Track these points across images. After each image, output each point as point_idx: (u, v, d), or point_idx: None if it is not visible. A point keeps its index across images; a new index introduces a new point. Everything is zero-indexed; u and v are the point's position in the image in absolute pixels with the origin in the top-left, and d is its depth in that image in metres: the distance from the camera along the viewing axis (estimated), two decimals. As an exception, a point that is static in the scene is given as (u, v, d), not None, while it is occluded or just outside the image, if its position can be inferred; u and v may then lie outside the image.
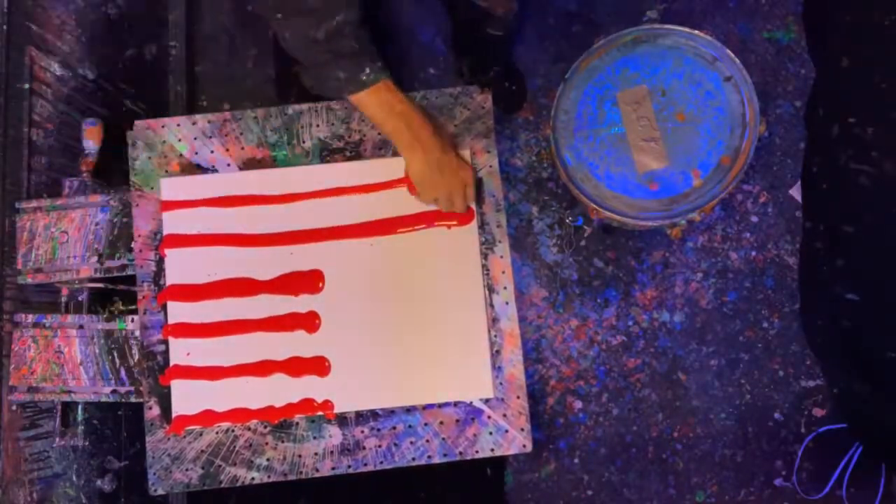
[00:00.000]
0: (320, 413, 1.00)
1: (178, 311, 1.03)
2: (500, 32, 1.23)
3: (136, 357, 1.05)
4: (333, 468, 1.01)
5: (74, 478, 1.08)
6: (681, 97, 1.03)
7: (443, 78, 1.39)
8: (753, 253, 1.33)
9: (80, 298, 1.10)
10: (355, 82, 0.89)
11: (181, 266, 1.03)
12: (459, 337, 1.01)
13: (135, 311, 1.07)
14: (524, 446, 1.00)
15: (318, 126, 1.07)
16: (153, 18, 1.37)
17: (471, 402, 1.01)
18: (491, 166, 1.05)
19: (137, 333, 1.05)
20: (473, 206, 1.03)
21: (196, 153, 1.07)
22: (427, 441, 1.00)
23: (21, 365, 1.06)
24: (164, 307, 1.03)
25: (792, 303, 1.32)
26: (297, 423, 1.01)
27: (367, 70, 0.89)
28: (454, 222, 1.03)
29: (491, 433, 1.00)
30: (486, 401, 1.01)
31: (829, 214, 1.26)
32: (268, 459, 1.01)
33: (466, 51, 1.34)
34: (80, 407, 1.09)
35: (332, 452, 1.01)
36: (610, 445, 1.32)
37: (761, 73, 1.34)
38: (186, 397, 1.01)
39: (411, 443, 1.00)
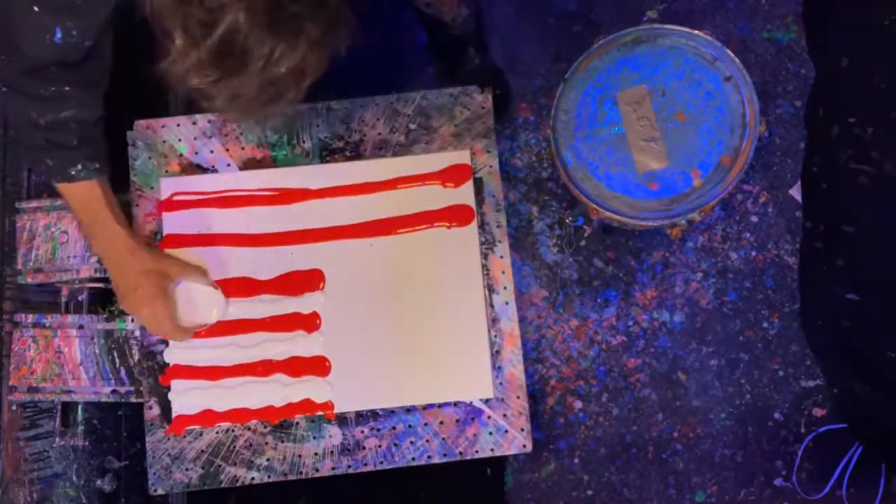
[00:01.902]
0: (320, 413, 1.00)
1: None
2: (457, 33, 1.23)
3: (136, 357, 1.05)
4: (333, 468, 1.01)
5: (74, 478, 1.08)
6: (681, 97, 1.03)
7: (443, 78, 1.39)
8: (753, 253, 1.33)
9: (80, 298, 1.10)
10: (63, 174, 0.89)
11: (181, 266, 1.03)
12: (459, 337, 1.01)
13: (135, 311, 1.07)
14: (524, 446, 1.00)
15: (318, 126, 1.07)
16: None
17: (471, 402, 1.01)
18: (491, 166, 1.05)
19: (137, 333, 1.05)
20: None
21: (196, 153, 1.07)
22: (427, 441, 1.00)
23: (21, 365, 1.06)
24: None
25: (792, 303, 1.32)
26: (297, 423, 1.01)
27: (79, 167, 0.89)
28: (455, 223, 1.03)
29: (491, 433, 1.00)
30: (486, 401, 1.01)
31: (829, 214, 1.26)
32: (268, 459, 1.01)
33: (442, 53, 1.35)
34: (80, 407, 1.09)
35: (332, 452, 1.01)
36: (610, 445, 1.32)
37: (761, 73, 1.34)
38: (186, 397, 1.01)
39: (411, 443, 1.00)
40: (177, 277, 0.98)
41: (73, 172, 0.88)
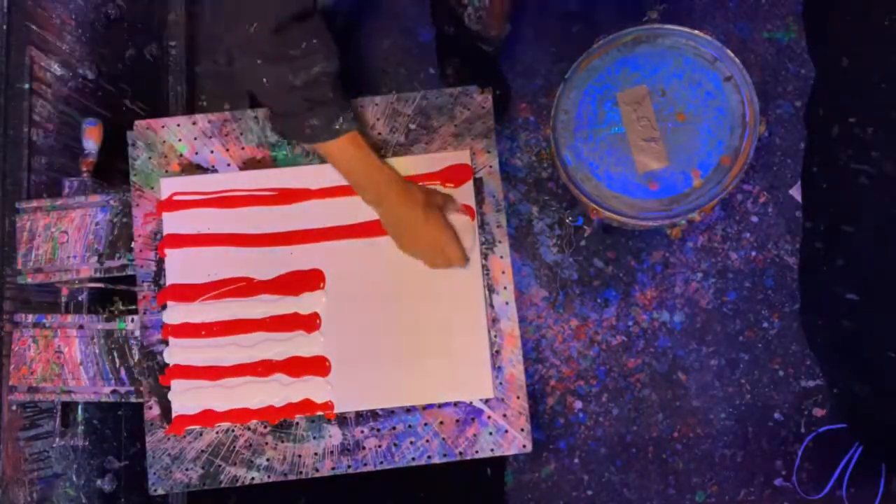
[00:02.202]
0: (320, 413, 1.00)
1: (175, 313, 1.03)
2: (490, 49, 1.23)
3: (136, 357, 1.05)
4: (333, 468, 1.01)
5: (74, 478, 1.08)
6: (681, 97, 1.03)
7: (443, 78, 1.39)
8: (753, 253, 1.33)
9: (80, 298, 1.10)
10: (328, 131, 0.90)
11: (181, 266, 1.03)
12: (459, 337, 1.01)
13: (135, 311, 1.07)
14: (524, 446, 1.00)
15: (318, 126, 1.07)
16: (153, 18, 1.37)
17: (471, 403, 1.01)
18: (491, 166, 1.05)
19: (137, 333, 1.05)
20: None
21: (196, 153, 1.07)
22: (427, 441, 1.00)
23: (21, 365, 1.06)
24: (164, 307, 1.03)
25: (792, 303, 1.32)
26: (297, 423, 1.01)
27: (341, 120, 0.90)
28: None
29: (491, 433, 1.00)
30: (486, 401, 1.01)
31: (829, 214, 1.26)
32: (268, 459, 1.01)
33: (451, 55, 1.34)
34: (80, 407, 1.09)
35: (332, 452, 1.01)
36: (610, 445, 1.32)
37: (761, 73, 1.34)
38: (186, 397, 1.01)
39: (411, 443, 1.00)
40: (448, 207, 1.00)
41: (337, 126, 0.89)
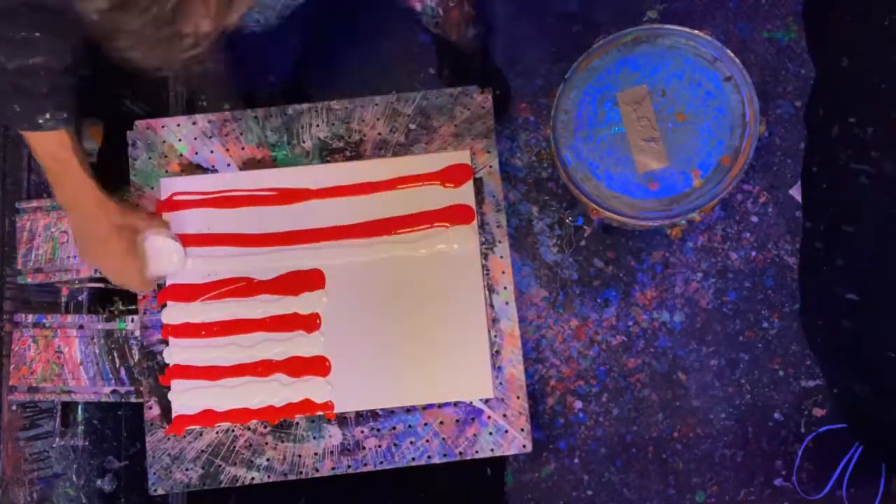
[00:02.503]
0: (320, 413, 1.00)
1: (174, 313, 1.03)
2: (466, 50, 1.23)
3: (136, 357, 1.05)
4: (333, 468, 1.01)
5: (74, 478, 1.08)
6: (681, 97, 1.03)
7: (443, 78, 1.38)
8: (753, 253, 1.33)
9: (80, 298, 1.10)
10: (30, 122, 0.88)
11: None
12: (459, 337, 1.01)
13: (135, 311, 1.07)
14: (524, 446, 1.00)
15: (318, 126, 1.07)
16: (153, 18, 1.36)
17: (471, 403, 1.01)
18: (491, 166, 1.05)
19: (137, 333, 1.05)
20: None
21: (196, 153, 1.07)
22: (427, 441, 1.00)
23: (21, 365, 1.06)
24: (164, 307, 1.03)
25: (792, 303, 1.32)
26: (297, 423, 1.01)
27: (48, 116, 0.87)
28: (455, 223, 1.03)
29: (491, 433, 1.00)
30: (486, 401, 1.01)
31: (829, 214, 1.26)
32: (268, 459, 1.01)
33: (448, 55, 1.34)
34: (80, 407, 1.09)
35: (332, 452, 1.01)
36: (610, 445, 1.32)
37: (761, 73, 1.34)
38: (186, 397, 1.01)
39: (411, 443, 1.00)
40: (145, 231, 0.98)
41: (40, 121, 0.87)
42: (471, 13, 1.15)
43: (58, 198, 0.96)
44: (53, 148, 0.90)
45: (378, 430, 1.01)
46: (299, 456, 1.01)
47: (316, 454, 1.01)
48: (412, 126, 1.06)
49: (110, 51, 0.67)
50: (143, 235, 0.98)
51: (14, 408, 1.05)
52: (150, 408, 1.03)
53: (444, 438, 1.00)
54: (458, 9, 1.11)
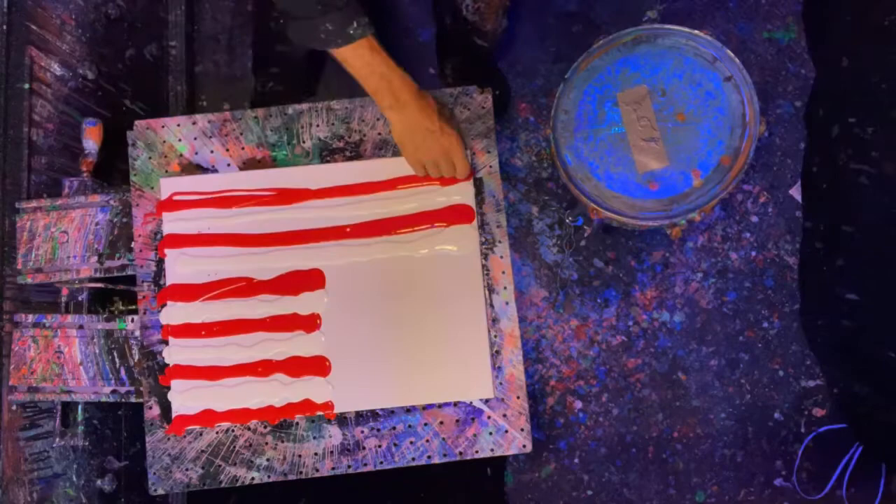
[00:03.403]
0: (320, 413, 1.00)
1: (172, 313, 1.03)
2: (486, 44, 1.23)
3: (136, 357, 1.05)
4: (333, 468, 1.01)
5: (74, 478, 1.08)
6: (681, 97, 1.03)
7: (443, 77, 1.39)
8: (753, 253, 1.33)
9: (80, 298, 1.10)
10: (343, 35, 0.89)
11: (181, 266, 1.03)
12: (459, 337, 1.01)
13: (135, 311, 1.07)
14: (524, 446, 1.00)
15: (318, 126, 1.07)
16: (153, 18, 1.37)
17: (471, 403, 1.01)
18: (491, 166, 1.05)
19: (137, 333, 1.05)
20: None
21: (196, 153, 1.07)
22: (427, 441, 1.00)
23: (21, 365, 1.06)
24: (164, 307, 1.04)
25: (792, 303, 1.32)
26: (297, 423, 1.01)
27: (355, 24, 0.89)
28: (455, 223, 1.03)
29: (491, 433, 1.00)
30: (486, 401, 1.01)
31: (829, 214, 1.26)
32: (268, 459, 1.01)
33: (451, 53, 1.34)
34: (80, 407, 1.09)
35: (332, 452, 1.01)
36: (610, 445, 1.32)
37: (761, 73, 1.34)
38: (186, 397, 1.01)
39: (411, 443, 1.00)
40: (452, 120, 1.03)
41: (350, 31, 0.89)
42: (508, 1, 1.15)
43: (383, 103, 0.96)
44: (368, 55, 0.91)
45: (378, 430, 1.01)
46: (299, 456, 1.01)
47: (316, 454, 1.01)
48: (412, 126, 1.06)
49: None
50: (452, 123, 1.02)
51: (14, 408, 1.05)
52: (150, 408, 1.03)
53: (444, 438, 1.00)
54: None
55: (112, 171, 1.18)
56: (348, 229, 1.03)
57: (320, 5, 0.87)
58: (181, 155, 1.07)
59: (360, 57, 0.91)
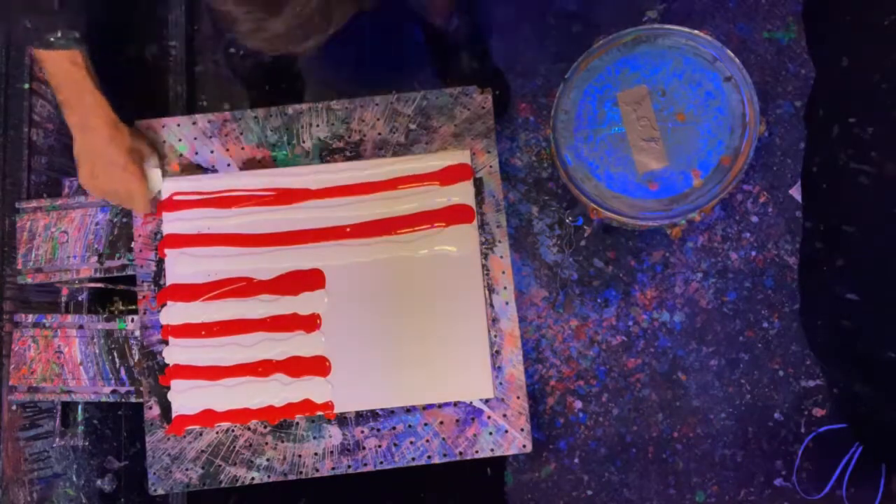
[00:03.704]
0: (320, 413, 1.00)
1: (172, 313, 1.03)
2: (449, 38, 1.22)
3: (136, 357, 1.05)
4: (333, 468, 1.01)
5: (74, 478, 1.08)
6: (681, 97, 1.03)
7: (442, 78, 1.38)
8: (753, 253, 1.33)
9: (80, 298, 1.10)
10: (41, 40, 0.87)
11: (181, 266, 1.03)
12: (459, 337, 1.01)
13: (135, 311, 1.07)
14: (524, 446, 1.00)
15: (318, 126, 1.07)
16: (153, 18, 1.36)
17: (471, 403, 1.01)
18: (491, 166, 1.05)
19: (137, 333, 1.05)
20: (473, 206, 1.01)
21: (196, 153, 1.07)
22: (427, 441, 1.00)
23: (21, 365, 1.06)
24: (164, 307, 1.03)
25: (792, 303, 1.32)
26: (297, 423, 1.01)
27: (59, 34, 0.86)
28: (455, 223, 1.03)
29: (491, 433, 1.00)
30: (486, 401, 1.01)
31: (829, 214, 1.26)
32: (268, 459, 1.01)
33: (438, 54, 1.34)
34: (80, 407, 1.09)
35: (332, 452, 1.01)
36: (610, 445, 1.32)
37: (761, 73, 1.34)
38: (186, 397, 1.01)
39: (411, 443, 1.00)
40: (148, 157, 1.01)
41: (51, 39, 0.86)
42: (453, 1, 1.15)
43: (69, 120, 0.94)
44: (66, 66, 0.89)
45: (378, 430, 1.01)
46: (299, 456, 1.01)
47: (316, 454, 1.01)
48: (412, 126, 1.06)
49: (236, 36, 0.69)
50: (148, 160, 1.02)
51: (14, 408, 1.05)
52: (150, 408, 1.03)
53: (444, 438, 1.00)
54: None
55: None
56: (348, 229, 1.03)
57: (23, 1, 0.84)
58: (181, 155, 1.07)
59: (56, 65, 0.90)
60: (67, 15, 0.87)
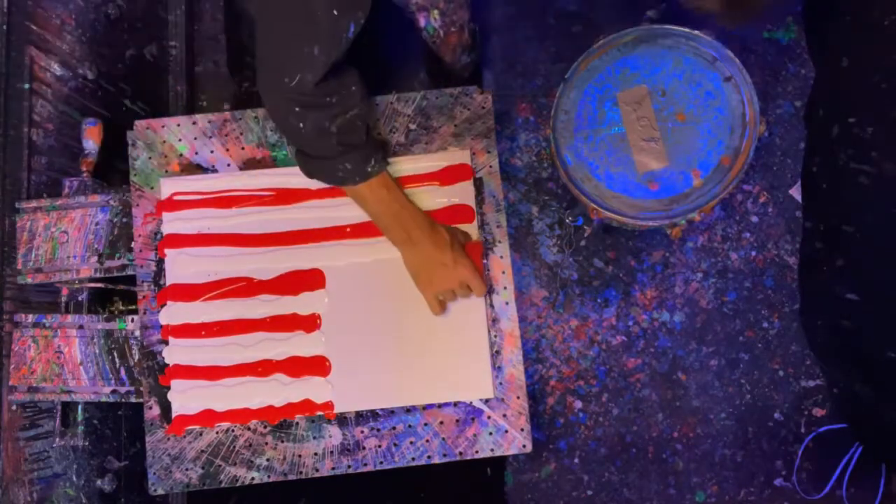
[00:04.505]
0: (320, 413, 1.00)
1: (171, 313, 1.03)
2: (455, 73, 1.23)
3: (136, 357, 1.05)
4: (333, 468, 1.01)
5: (74, 478, 1.08)
6: (681, 97, 1.03)
7: (439, 78, 1.38)
8: (753, 253, 1.33)
9: (80, 298, 1.10)
10: (361, 173, 0.90)
11: (181, 266, 1.03)
12: (459, 337, 1.01)
13: (135, 311, 1.07)
14: (524, 446, 1.00)
15: (318, 126, 1.07)
16: (153, 18, 1.37)
17: (471, 403, 1.01)
18: (491, 166, 1.05)
19: (137, 333, 1.05)
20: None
21: (196, 153, 1.07)
22: (427, 441, 1.00)
23: (21, 365, 1.06)
24: (164, 307, 1.04)
25: (792, 303, 1.32)
26: (297, 423, 1.01)
27: (373, 161, 0.90)
28: (455, 223, 1.03)
29: (491, 433, 1.00)
30: (486, 401, 1.01)
31: (829, 214, 1.26)
32: (268, 459, 1.01)
33: (434, 65, 1.35)
34: (80, 407, 1.09)
35: (332, 452, 1.01)
36: (610, 445, 1.32)
37: (761, 73, 1.34)
38: (186, 397, 1.01)
39: (411, 443, 1.00)
40: (466, 243, 1.01)
41: (369, 169, 0.90)
42: (468, 42, 1.16)
43: (394, 238, 0.97)
44: (383, 191, 0.93)
45: (378, 430, 1.01)
46: (299, 456, 1.01)
47: (316, 454, 1.01)
48: (412, 126, 1.06)
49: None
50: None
51: (14, 408, 1.05)
52: (150, 408, 1.03)
53: (444, 438, 1.00)
54: (457, 35, 1.11)
55: (112, 171, 1.18)
56: (348, 229, 1.03)
57: (341, 146, 0.87)
58: (181, 155, 1.07)
59: (374, 193, 0.93)
60: (372, 141, 0.91)
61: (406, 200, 0.96)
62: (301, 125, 0.85)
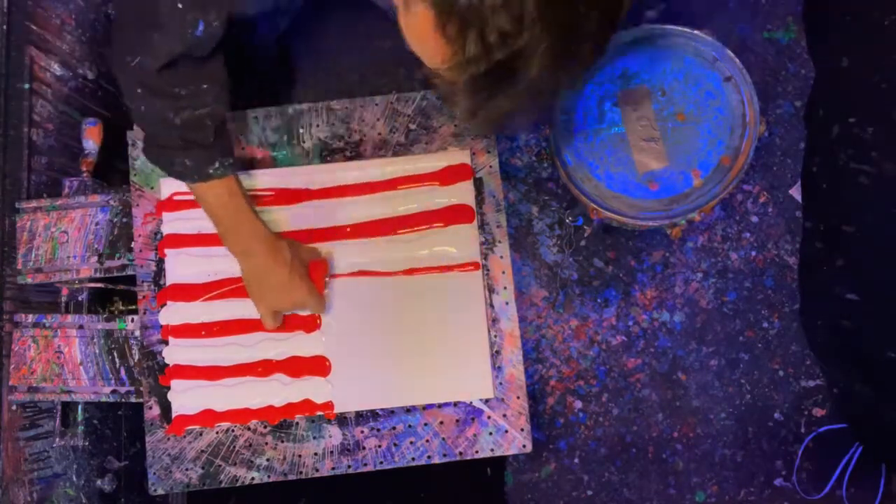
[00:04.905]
0: (320, 413, 1.00)
1: (171, 313, 1.03)
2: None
3: (136, 357, 1.05)
4: (333, 468, 1.01)
5: (74, 478, 1.08)
6: (681, 97, 1.03)
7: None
8: (753, 253, 1.33)
9: (80, 298, 1.10)
10: (200, 173, 0.88)
11: (181, 266, 1.03)
12: (459, 337, 1.01)
13: (135, 311, 1.07)
14: (524, 446, 1.00)
15: (318, 126, 1.07)
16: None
17: (471, 403, 1.01)
18: (491, 166, 1.05)
19: (137, 333, 1.05)
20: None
21: (196, 153, 1.07)
22: (427, 441, 1.00)
23: (21, 365, 1.06)
24: (164, 307, 1.03)
25: (792, 303, 1.32)
26: (297, 423, 1.01)
27: (217, 164, 0.88)
28: (455, 223, 1.03)
29: (491, 433, 1.00)
30: (486, 401, 1.01)
31: (829, 214, 1.26)
32: (268, 459, 1.01)
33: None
34: (80, 407, 1.09)
35: (332, 452, 1.01)
36: (610, 445, 1.32)
37: (761, 73, 1.34)
38: (186, 397, 1.01)
39: (411, 443, 1.00)
40: (309, 262, 0.99)
41: (210, 171, 0.88)
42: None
43: (232, 248, 0.95)
44: (225, 196, 0.90)
45: (378, 430, 1.01)
46: (299, 456, 1.01)
47: (316, 454, 1.01)
48: (412, 126, 1.06)
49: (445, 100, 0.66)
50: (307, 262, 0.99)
51: (14, 408, 1.05)
52: (150, 408, 1.03)
53: (444, 438, 1.00)
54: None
55: (112, 171, 1.18)
56: (348, 229, 1.03)
57: (183, 140, 0.85)
58: (181, 155, 1.07)
59: (216, 197, 0.90)
60: (221, 143, 0.88)
61: (251, 212, 0.93)
62: (142, 107, 0.83)
